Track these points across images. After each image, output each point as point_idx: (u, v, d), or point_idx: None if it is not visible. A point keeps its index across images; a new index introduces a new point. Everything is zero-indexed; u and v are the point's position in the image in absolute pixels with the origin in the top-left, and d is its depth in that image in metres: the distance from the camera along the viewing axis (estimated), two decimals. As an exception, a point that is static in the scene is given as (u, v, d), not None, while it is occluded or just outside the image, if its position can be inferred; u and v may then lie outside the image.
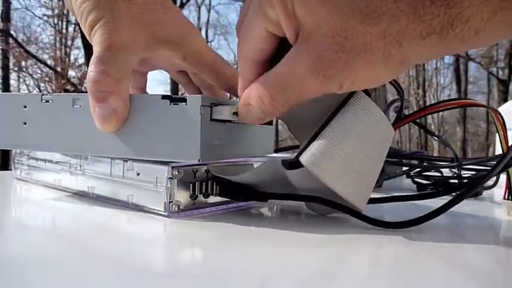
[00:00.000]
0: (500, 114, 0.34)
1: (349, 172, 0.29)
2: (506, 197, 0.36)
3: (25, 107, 0.35)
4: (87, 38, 0.33)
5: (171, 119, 0.30)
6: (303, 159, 0.28)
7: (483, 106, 0.35)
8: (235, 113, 0.30)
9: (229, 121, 0.32)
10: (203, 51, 0.37)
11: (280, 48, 0.28)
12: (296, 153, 0.29)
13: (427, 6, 0.22)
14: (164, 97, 0.30)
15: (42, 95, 0.34)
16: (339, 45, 0.24)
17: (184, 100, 0.30)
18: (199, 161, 0.30)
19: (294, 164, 0.29)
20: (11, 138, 0.36)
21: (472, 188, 0.32)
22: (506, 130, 0.33)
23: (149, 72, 0.43)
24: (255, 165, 0.35)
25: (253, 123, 0.30)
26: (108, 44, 0.31)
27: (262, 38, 0.27)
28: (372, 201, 0.34)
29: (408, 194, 0.35)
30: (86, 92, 0.32)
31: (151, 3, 0.33)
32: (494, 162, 0.34)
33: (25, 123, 0.35)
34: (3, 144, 0.37)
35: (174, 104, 0.30)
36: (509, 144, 0.34)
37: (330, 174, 0.28)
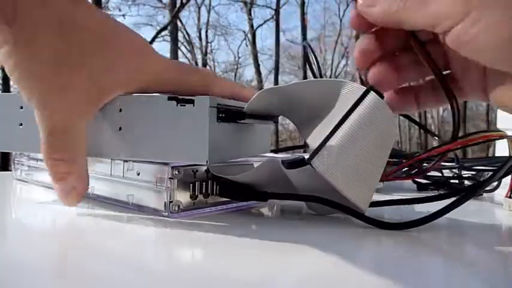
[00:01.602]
0: None
1: (359, 174, 0.29)
2: (509, 195, 0.36)
3: (21, 107, 0.34)
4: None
5: (178, 121, 0.29)
6: (315, 164, 0.28)
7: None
8: None
9: (235, 122, 0.32)
10: (163, 70, 0.33)
11: None
12: (302, 154, 0.29)
13: None
14: (171, 98, 0.30)
15: None
16: None
17: (191, 101, 0.29)
18: (207, 163, 0.29)
19: (302, 164, 0.29)
20: (6, 140, 0.35)
21: (474, 191, 0.32)
22: None
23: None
24: (255, 165, 0.35)
25: (373, 19, 0.29)
26: (50, 131, 0.29)
27: None
28: (373, 204, 0.34)
29: (410, 197, 0.35)
30: None
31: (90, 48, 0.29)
32: (495, 163, 0.33)
33: (21, 125, 0.34)
34: None
35: (181, 105, 0.29)
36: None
37: (341, 178, 0.28)
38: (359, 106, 0.29)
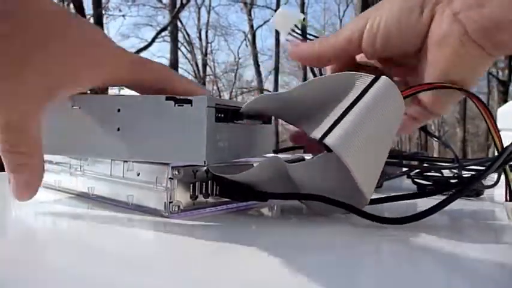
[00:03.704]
0: (483, 102, 0.33)
1: (369, 154, 0.29)
2: (507, 198, 0.35)
3: None
4: None
5: (176, 121, 0.29)
6: (329, 141, 0.28)
7: (453, 88, 0.34)
8: None
9: (233, 122, 0.32)
10: (117, 66, 0.31)
11: None
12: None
13: None
14: (168, 98, 0.30)
15: None
16: None
17: (189, 101, 0.29)
18: (205, 163, 0.29)
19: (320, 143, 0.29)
20: None
21: (469, 185, 0.33)
22: (492, 117, 0.33)
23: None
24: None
25: None
26: (3, 128, 0.28)
27: None
28: (371, 201, 0.34)
29: (407, 193, 0.35)
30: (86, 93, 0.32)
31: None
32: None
33: None
34: None
35: (178, 106, 0.29)
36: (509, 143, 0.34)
37: (354, 155, 0.28)
38: (371, 89, 0.30)
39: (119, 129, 0.31)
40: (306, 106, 0.33)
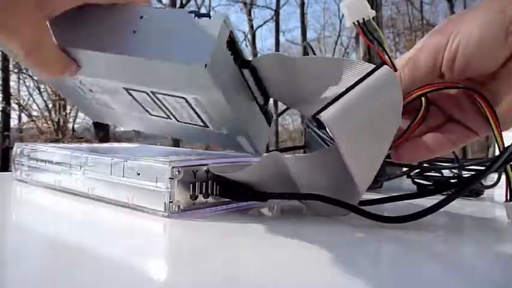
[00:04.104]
0: (489, 102, 0.33)
1: (364, 146, 0.29)
2: (508, 198, 0.35)
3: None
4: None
5: (192, 29, 0.31)
6: (323, 117, 0.28)
7: (458, 87, 0.34)
8: None
9: (239, 68, 0.33)
10: None
11: None
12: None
13: None
14: (191, 12, 0.32)
15: None
16: None
17: (208, 15, 0.31)
18: (206, 66, 0.30)
19: (315, 119, 0.29)
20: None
21: (468, 185, 0.33)
22: (496, 118, 0.33)
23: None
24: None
25: None
26: (26, 54, 0.32)
27: None
28: (370, 202, 0.34)
29: (407, 193, 0.36)
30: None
31: None
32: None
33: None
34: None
35: (198, 18, 0.31)
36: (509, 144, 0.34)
37: (347, 136, 0.29)
38: (371, 76, 0.30)
39: (135, 32, 0.33)
40: (305, 88, 0.33)
